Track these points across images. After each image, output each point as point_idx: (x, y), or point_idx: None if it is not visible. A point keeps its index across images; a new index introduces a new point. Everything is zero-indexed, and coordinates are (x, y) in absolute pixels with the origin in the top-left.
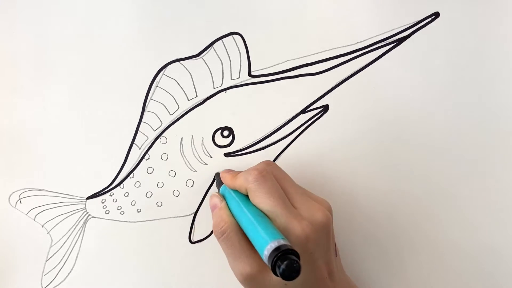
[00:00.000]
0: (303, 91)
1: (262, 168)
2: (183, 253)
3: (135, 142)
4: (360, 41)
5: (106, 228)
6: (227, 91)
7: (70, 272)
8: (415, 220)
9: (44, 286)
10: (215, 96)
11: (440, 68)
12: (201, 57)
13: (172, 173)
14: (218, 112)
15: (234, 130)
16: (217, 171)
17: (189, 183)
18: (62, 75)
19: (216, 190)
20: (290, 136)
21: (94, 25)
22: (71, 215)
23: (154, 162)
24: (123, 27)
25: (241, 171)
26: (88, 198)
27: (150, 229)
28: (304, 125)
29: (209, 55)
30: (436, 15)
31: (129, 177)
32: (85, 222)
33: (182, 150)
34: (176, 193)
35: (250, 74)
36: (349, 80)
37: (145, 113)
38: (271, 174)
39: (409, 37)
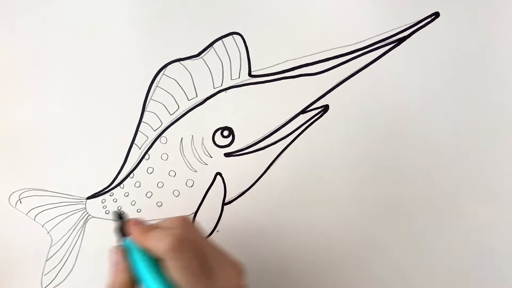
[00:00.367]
0: (303, 91)
1: (180, 234)
2: None
3: (135, 142)
4: (360, 41)
5: (106, 228)
6: (227, 91)
7: (70, 272)
8: (415, 220)
9: (44, 286)
10: (215, 96)
11: (440, 68)
12: (201, 57)
13: (172, 173)
14: (218, 112)
15: (234, 130)
16: (217, 171)
17: (189, 183)
18: (62, 75)
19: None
20: (290, 136)
21: (94, 26)
22: (71, 215)
23: (154, 162)
24: (123, 27)
25: (152, 226)
26: (88, 198)
27: None
28: (304, 125)
29: (209, 55)
30: (436, 15)
31: (129, 177)
32: (85, 222)
33: (182, 150)
34: (176, 193)
35: (250, 74)
36: (349, 80)
37: (145, 113)
38: (190, 240)
39: (409, 37)
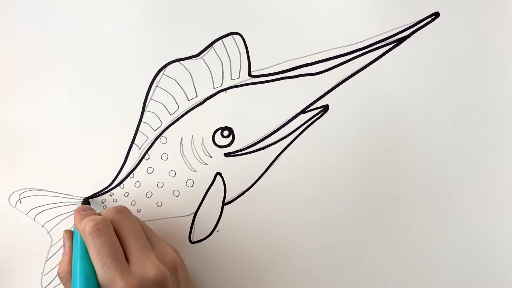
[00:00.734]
0: (303, 91)
1: (100, 219)
2: (183, 253)
3: (135, 142)
4: (360, 41)
5: None
6: (227, 91)
7: None
8: (416, 219)
9: (44, 286)
10: (215, 96)
11: (440, 68)
12: (201, 57)
13: (172, 173)
14: (218, 112)
15: (234, 130)
16: (217, 171)
17: (189, 183)
18: (62, 75)
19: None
20: (290, 136)
21: (94, 26)
22: (71, 215)
23: (154, 162)
24: (123, 27)
25: (92, 213)
26: (88, 198)
27: None
28: (304, 125)
29: (209, 55)
30: (436, 15)
31: (129, 177)
32: None
33: (182, 150)
34: (176, 193)
35: (250, 74)
36: (349, 80)
37: (145, 113)
38: (107, 226)
39: (409, 37)
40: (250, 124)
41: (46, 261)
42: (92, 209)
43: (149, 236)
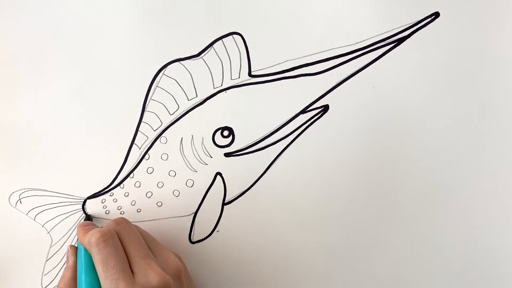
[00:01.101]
0: (303, 91)
1: (106, 230)
2: (183, 253)
3: (135, 142)
4: (360, 41)
5: None
6: (227, 91)
7: None
8: (416, 219)
9: (44, 286)
10: (215, 96)
11: (440, 68)
12: (201, 57)
13: (172, 173)
14: (218, 112)
15: (234, 130)
16: (217, 171)
17: (189, 183)
18: (62, 75)
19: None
20: (290, 136)
21: (94, 26)
22: (71, 215)
23: (154, 162)
24: (123, 27)
25: (95, 227)
26: (88, 198)
27: (150, 229)
28: (304, 125)
29: (209, 55)
30: (436, 15)
31: (129, 177)
32: None
33: (182, 150)
34: (176, 193)
35: (250, 74)
36: (349, 80)
37: (145, 113)
38: (113, 237)
39: (409, 37)
40: (250, 124)
41: (46, 261)
42: (94, 224)
43: (150, 245)
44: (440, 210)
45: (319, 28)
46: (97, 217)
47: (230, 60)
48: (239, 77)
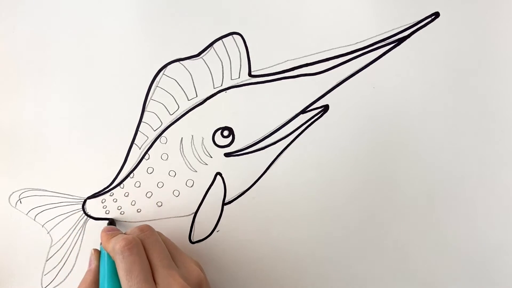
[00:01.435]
0: (303, 91)
1: (131, 238)
2: None
3: (135, 142)
4: (360, 41)
5: None
6: (227, 91)
7: (70, 272)
8: (415, 219)
9: (44, 286)
10: (215, 96)
11: (440, 68)
12: (201, 57)
13: (172, 173)
14: (218, 112)
15: (234, 130)
16: (217, 171)
17: (189, 183)
18: (62, 75)
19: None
20: (290, 136)
21: (94, 26)
22: (71, 215)
23: (154, 162)
24: (123, 27)
25: (119, 233)
26: (88, 198)
27: None
28: (304, 125)
29: (209, 55)
30: (436, 15)
31: (129, 177)
32: (85, 222)
33: (182, 150)
34: (176, 193)
35: (250, 74)
36: (349, 80)
37: (145, 113)
38: (138, 246)
39: (409, 37)
40: (250, 124)
41: (46, 261)
42: (118, 230)
43: (172, 252)
44: (440, 210)
45: (319, 28)
46: (119, 220)
47: (230, 60)
48: (239, 77)
